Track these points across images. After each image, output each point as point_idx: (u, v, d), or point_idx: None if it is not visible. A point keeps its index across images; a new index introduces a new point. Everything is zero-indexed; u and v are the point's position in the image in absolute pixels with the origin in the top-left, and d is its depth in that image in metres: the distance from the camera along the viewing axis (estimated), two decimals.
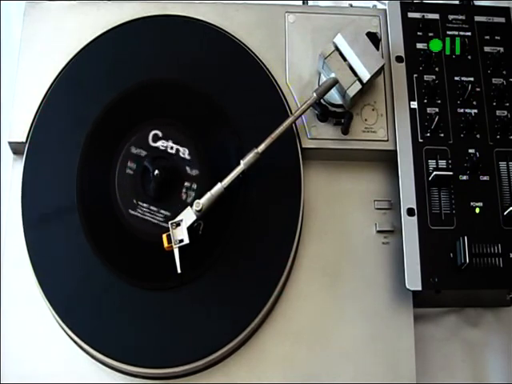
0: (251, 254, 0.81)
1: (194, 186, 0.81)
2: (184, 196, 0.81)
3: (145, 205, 0.81)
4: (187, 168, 0.82)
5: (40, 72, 0.87)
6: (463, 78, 0.87)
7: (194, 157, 0.83)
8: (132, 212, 0.81)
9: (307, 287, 0.83)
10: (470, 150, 0.85)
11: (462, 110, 0.86)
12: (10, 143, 0.86)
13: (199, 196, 0.79)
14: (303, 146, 0.85)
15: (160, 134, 0.84)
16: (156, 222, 0.81)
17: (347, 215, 0.85)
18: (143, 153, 0.83)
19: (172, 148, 0.83)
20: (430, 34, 0.89)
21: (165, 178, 0.81)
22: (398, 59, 0.88)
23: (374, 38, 0.84)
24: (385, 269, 0.84)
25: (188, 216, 0.78)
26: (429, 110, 0.86)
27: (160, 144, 0.84)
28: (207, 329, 0.78)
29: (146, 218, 0.81)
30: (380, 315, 0.82)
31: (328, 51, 0.83)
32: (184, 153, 0.83)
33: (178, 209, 0.79)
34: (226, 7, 0.91)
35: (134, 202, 0.81)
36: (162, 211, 0.81)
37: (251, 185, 0.82)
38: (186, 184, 0.82)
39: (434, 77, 0.87)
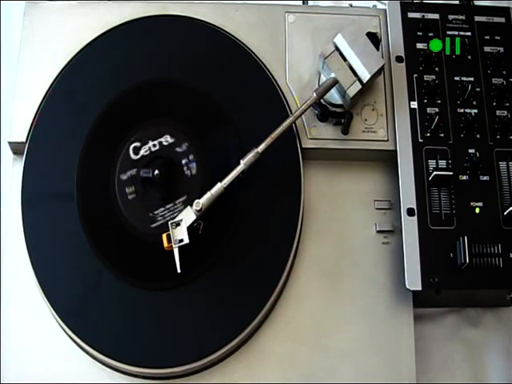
0: (251, 254, 0.81)
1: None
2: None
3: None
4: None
5: (40, 72, 0.87)
6: (463, 78, 0.87)
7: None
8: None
9: (307, 287, 0.83)
10: (470, 150, 0.85)
11: (462, 110, 0.86)
12: (9, 143, 0.86)
13: (199, 195, 0.79)
14: (303, 146, 0.85)
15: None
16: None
17: (347, 215, 0.85)
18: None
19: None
20: (430, 34, 0.89)
21: (162, 182, 0.81)
22: (398, 59, 0.88)
23: (373, 38, 0.84)
24: (385, 269, 0.84)
25: (188, 216, 0.78)
26: (429, 109, 0.86)
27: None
28: (207, 329, 0.78)
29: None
30: (380, 315, 0.82)
31: (328, 51, 0.83)
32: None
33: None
34: (226, 7, 0.91)
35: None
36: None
37: (251, 185, 0.82)
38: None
39: (434, 77, 0.87)
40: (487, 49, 0.89)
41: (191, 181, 0.83)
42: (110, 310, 0.79)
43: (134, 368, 0.77)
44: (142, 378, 0.79)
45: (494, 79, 0.88)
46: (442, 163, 0.84)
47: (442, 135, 0.85)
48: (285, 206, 0.83)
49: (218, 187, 0.79)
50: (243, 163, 0.80)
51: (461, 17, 0.90)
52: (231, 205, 0.82)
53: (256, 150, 0.80)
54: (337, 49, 0.83)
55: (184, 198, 0.82)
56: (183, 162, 0.83)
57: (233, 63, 0.88)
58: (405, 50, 0.88)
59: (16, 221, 0.82)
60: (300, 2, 0.96)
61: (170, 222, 0.78)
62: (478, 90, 0.87)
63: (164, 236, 0.78)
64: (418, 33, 0.89)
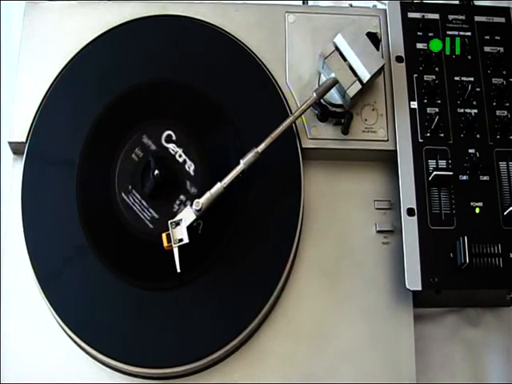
0: (251, 254, 0.81)
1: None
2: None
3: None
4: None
5: (40, 72, 0.87)
6: (463, 78, 0.87)
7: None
8: (125, 198, 0.82)
9: (307, 287, 0.83)
10: (470, 150, 0.85)
11: (462, 110, 0.86)
12: (9, 143, 0.86)
13: (199, 195, 0.79)
14: (303, 146, 0.85)
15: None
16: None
17: (347, 215, 0.85)
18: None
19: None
20: (430, 34, 0.89)
21: (162, 182, 0.81)
22: (398, 59, 0.88)
23: (373, 38, 0.84)
24: (385, 269, 0.84)
25: (187, 215, 0.78)
26: (429, 109, 0.86)
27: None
28: (207, 329, 0.78)
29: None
30: (380, 315, 0.82)
31: (328, 51, 0.83)
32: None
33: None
34: (226, 7, 0.91)
35: (132, 196, 0.82)
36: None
37: (251, 185, 0.82)
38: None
39: (434, 77, 0.87)
40: (487, 49, 0.89)
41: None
42: (110, 310, 0.79)
43: (134, 368, 0.77)
44: (142, 377, 0.79)
45: (494, 79, 0.88)
46: (442, 163, 0.84)
47: (442, 135, 0.85)
48: (285, 206, 0.83)
49: (218, 187, 0.79)
50: (243, 163, 0.80)
51: (461, 17, 0.90)
52: (231, 205, 0.82)
53: (256, 150, 0.80)
54: (337, 49, 0.83)
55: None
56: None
57: (233, 63, 0.88)
58: (405, 50, 0.88)
59: (16, 221, 0.82)
60: (300, 2, 0.96)
61: (169, 222, 0.78)
62: (478, 90, 0.87)
63: (164, 236, 0.78)
64: (418, 33, 0.89)
